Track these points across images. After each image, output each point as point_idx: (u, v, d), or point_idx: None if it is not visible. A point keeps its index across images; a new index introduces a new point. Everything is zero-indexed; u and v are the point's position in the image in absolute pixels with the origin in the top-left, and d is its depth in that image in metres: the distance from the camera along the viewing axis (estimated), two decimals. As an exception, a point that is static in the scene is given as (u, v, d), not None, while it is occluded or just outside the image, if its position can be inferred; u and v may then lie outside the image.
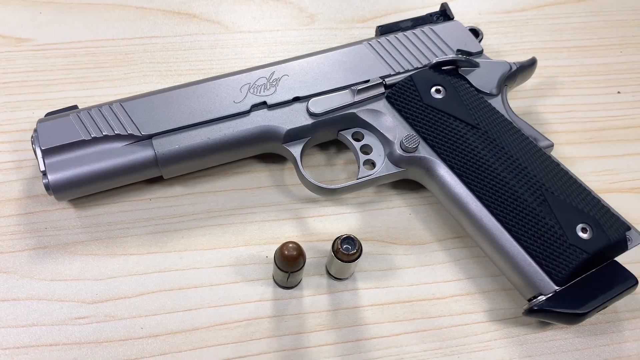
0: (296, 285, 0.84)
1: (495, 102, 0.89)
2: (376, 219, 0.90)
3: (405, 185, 0.92)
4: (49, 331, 0.80)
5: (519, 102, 1.01)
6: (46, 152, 0.82)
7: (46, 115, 0.87)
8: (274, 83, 0.88)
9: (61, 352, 0.79)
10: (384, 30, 0.95)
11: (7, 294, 0.82)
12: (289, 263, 0.77)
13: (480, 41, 0.95)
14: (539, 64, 0.99)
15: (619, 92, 1.04)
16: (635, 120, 1.01)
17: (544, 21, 1.12)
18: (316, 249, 0.87)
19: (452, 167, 0.84)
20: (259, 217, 0.89)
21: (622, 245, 0.79)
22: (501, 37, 1.09)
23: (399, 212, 0.91)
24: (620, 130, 1.00)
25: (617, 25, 1.12)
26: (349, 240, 0.79)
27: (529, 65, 0.94)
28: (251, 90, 0.88)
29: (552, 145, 0.86)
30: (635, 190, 0.94)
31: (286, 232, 0.88)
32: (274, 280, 0.84)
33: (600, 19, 1.13)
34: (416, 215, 0.91)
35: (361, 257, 0.79)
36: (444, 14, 0.97)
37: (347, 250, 0.78)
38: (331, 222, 0.90)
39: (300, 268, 0.79)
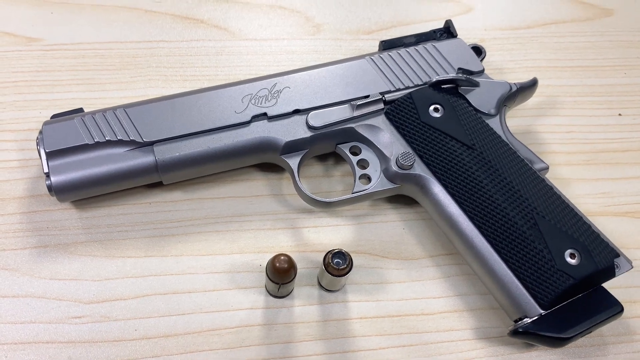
0: (287, 295, 0.86)
1: (494, 123, 0.89)
2: (370, 232, 0.91)
3: (401, 199, 0.93)
4: (46, 329, 0.82)
5: (519, 120, 1.02)
6: (50, 155, 0.84)
7: (52, 117, 0.89)
8: (275, 95, 0.90)
9: (57, 349, 0.81)
10: (387, 45, 0.96)
11: (8, 290, 0.84)
12: (280, 275, 0.79)
13: (483, 59, 0.96)
14: (541, 82, 1.00)
15: (620, 115, 1.04)
16: (635, 143, 1.02)
17: (549, 39, 1.12)
18: (309, 260, 0.88)
19: (446, 187, 0.85)
20: (255, 226, 0.91)
21: (609, 272, 0.80)
22: (505, 53, 1.10)
23: (393, 226, 0.92)
24: (619, 153, 1.00)
25: (624, 45, 1.13)
26: (340, 255, 0.80)
27: (529, 86, 0.95)
28: (252, 101, 0.89)
29: (547, 168, 0.87)
30: (630, 214, 0.95)
31: (281, 241, 0.90)
32: (266, 289, 0.85)
33: (606, 39, 1.13)
34: (410, 230, 0.92)
35: (353, 269, 0.81)
36: (448, 31, 0.97)
37: (337, 264, 0.80)
38: (325, 233, 0.91)
39: (291, 280, 0.81)
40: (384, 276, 0.88)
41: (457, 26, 1.01)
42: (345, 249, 0.82)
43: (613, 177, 0.98)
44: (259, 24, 1.11)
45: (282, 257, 0.78)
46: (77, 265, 0.87)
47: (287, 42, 1.09)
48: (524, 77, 0.98)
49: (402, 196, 0.92)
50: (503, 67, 1.07)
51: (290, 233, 0.91)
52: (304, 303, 0.86)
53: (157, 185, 0.91)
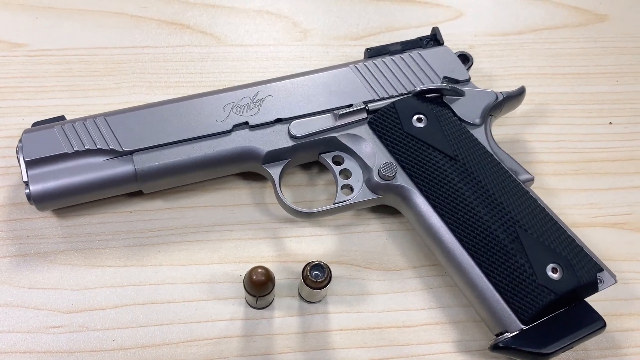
0: (267, 306, 0.85)
1: (478, 133, 0.88)
2: (352, 242, 0.91)
3: (384, 209, 0.92)
4: (23, 338, 0.82)
5: (507, 129, 1.01)
6: (29, 163, 0.84)
7: (33, 125, 0.88)
8: (258, 103, 0.89)
9: (34, 359, 0.80)
10: (372, 53, 0.95)
11: (-16, 299, 0.84)
12: (257, 287, 0.78)
13: (470, 67, 0.95)
14: (531, 90, 0.99)
15: (610, 123, 1.03)
16: (624, 153, 1.00)
17: (540, 45, 1.11)
18: (290, 270, 0.87)
19: (428, 198, 0.84)
20: (236, 235, 0.90)
21: (592, 287, 0.79)
22: (495, 60, 1.08)
23: (376, 236, 0.91)
24: (608, 163, 0.99)
25: (616, 52, 1.11)
26: (319, 267, 0.79)
27: (517, 95, 0.93)
28: (234, 110, 0.88)
29: (532, 179, 0.86)
30: (618, 225, 0.94)
31: (262, 251, 0.89)
32: (246, 300, 0.85)
33: (598, 45, 1.11)
34: (393, 241, 0.91)
35: (334, 280, 0.80)
36: (434, 39, 0.96)
37: (315, 277, 0.79)
38: (307, 243, 0.90)
39: (269, 292, 0.80)
40: (366, 287, 0.88)
41: (447, 32, 1.00)
42: (327, 259, 0.82)
43: (601, 187, 0.97)
44: (245, 29, 1.10)
45: (260, 270, 0.77)
46: (56, 274, 0.86)
47: (273, 48, 1.08)
48: (513, 85, 0.97)
49: (385, 206, 0.91)
50: (492, 74, 1.06)
51: (272, 243, 0.90)
52: (284, 314, 0.85)
53: (138, 194, 0.91)
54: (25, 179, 0.83)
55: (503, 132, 1.00)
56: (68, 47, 1.05)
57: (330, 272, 0.79)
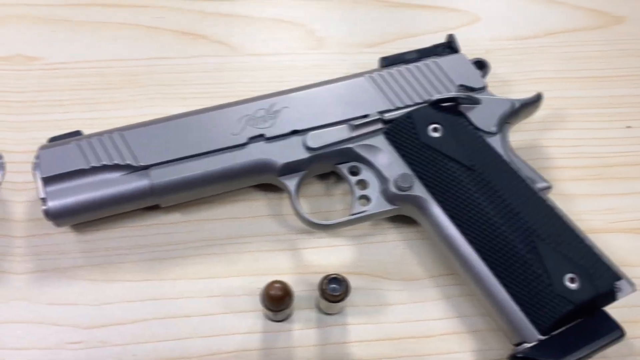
0: (286, 319, 0.85)
1: (495, 141, 0.88)
2: (370, 252, 0.91)
3: (401, 219, 0.92)
4: (44, 355, 0.82)
5: (524, 134, 1.00)
6: (46, 180, 0.84)
7: (49, 140, 0.89)
8: (273, 115, 0.89)
9: (55, 375, 0.81)
10: (387, 62, 0.95)
11: (6, 316, 0.85)
12: (274, 303, 0.78)
13: (486, 74, 0.94)
14: (548, 94, 0.97)
15: (629, 127, 1.02)
16: (643, 157, 1.00)
17: (557, 49, 1.10)
18: (308, 282, 0.87)
19: (445, 208, 0.84)
20: (254, 247, 0.90)
21: (610, 296, 0.78)
22: (512, 65, 1.07)
23: (393, 245, 0.91)
24: (627, 168, 0.98)
25: (634, 54, 1.10)
26: (336, 280, 0.79)
27: (533, 102, 0.92)
28: (250, 122, 0.88)
29: (550, 187, 0.85)
30: (636, 230, 0.93)
31: (280, 263, 0.89)
32: (264, 313, 0.85)
33: (616, 47, 1.10)
34: (410, 250, 0.91)
35: (353, 291, 0.80)
36: (450, 46, 0.96)
37: (332, 290, 0.79)
38: (325, 254, 0.90)
39: (287, 307, 0.80)
40: (384, 298, 0.88)
41: (463, 37, 0.98)
42: (344, 270, 0.82)
43: (620, 192, 0.96)
44: (262, 38, 1.10)
45: (277, 285, 0.78)
46: (75, 290, 0.87)
47: (289, 57, 1.08)
48: (531, 89, 0.95)
49: (402, 215, 0.91)
50: (509, 79, 1.05)
51: (290, 255, 0.90)
52: (302, 327, 0.85)
53: (156, 208, 0.91)
54: (42, 195, 0.84)
55: (520, 138, 0.99)
56: (83, 60, 1.05)
57: (348, 284, 0.79)
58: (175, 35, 1.09)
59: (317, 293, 0.84)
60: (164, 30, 1.10)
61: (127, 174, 0.85)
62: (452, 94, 0.89)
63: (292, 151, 0.88)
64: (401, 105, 0.90)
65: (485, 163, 0.85)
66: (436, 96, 0.89)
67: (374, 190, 0.89)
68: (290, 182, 0.89)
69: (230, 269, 0.89)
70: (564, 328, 0.77)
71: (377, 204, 0.88)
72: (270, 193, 0.94)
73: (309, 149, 0.88)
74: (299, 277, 0.87)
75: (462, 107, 0.90)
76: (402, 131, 0.88)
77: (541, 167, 0.95)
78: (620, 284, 0.79)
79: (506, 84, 1.04)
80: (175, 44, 1.08)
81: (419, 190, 0.85)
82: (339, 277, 0.79)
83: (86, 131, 0.90)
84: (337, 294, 0.79)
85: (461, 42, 0.97)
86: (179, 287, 0.87)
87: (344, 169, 0.90)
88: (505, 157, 0.86)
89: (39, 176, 0.84)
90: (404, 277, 0.89)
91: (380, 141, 0.89)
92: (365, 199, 0.89)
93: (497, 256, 0.80)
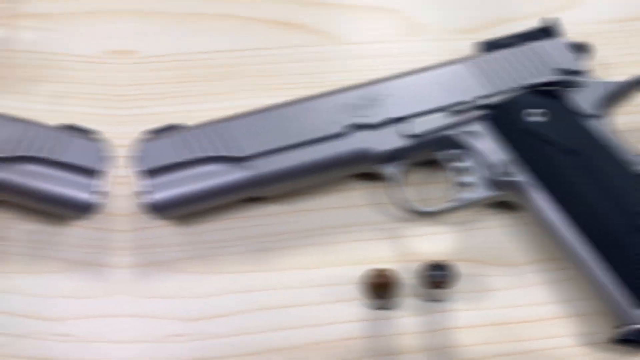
0: (391, 308, 0.85)
1: (599, 125, 0.86)
2: (472, 239, 0.90)
3: (502, 204, 0.91)
4: (147, 348, 0.84)
5: (630, 117, 0.97)
6: (148, 173, 0.85)
7: (146, 133, 0.90)
8: (370, 103, 0.88)
9: (163, 368, 0.83)
10: (484, 47, 0.94)
11: (110, 310, 0.86)
12: (376, 290, 0.79)
13: (590, 57, 0.92)
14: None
15: None
16: None
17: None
18: (411, 270, 0.86)
19: (548, 193, 0.83)
20: (354, 237, 0.90)
21: None
22: (612, 47, 1.04)
23: (495, 232, 0.91)
24: None
25: None
26: (437, 267, 0.79)
27: (637, 83, 0.91)
28: (347, 111, 0.88)
29: (656, 170, 0.84)
30: None
31: (382, 252, 0.89)
32: (369, 302, 0.85)
33: None
34: (512, 236, 0.90)
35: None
36: (549, 30, 0.94)
37: (434, 277, 0.79)
38: (427, 242, 0.90)
39: (393, 295, 0.80)
40: (488, 284, 0.87)
41: (565, 20, 0.96)
42: (447, 257, 0.81)
43: None
44: (359, 26, 1.09)
45: (384, 273, 0.78)
46: (177, 283, 0.88)
47: (387, 45, 1.07)
48: (635, 72, 0.92)
49: (503, 201, 0.90)
50: (610, 61, 1.02)
51: (391, 243, 0.90)
52: (407, 314, 0.85)
53: (255, 199, 0.92)
54: (147, 188, 0.85)
55: (624, 120, 0.96)
56: (178, 53, 1.06)
57: (452, 271, 0.79)
58: (272, 25, 1.09)
59: (420, 280, 0.84)
60: (259, 20, 1.10)
61: (227, 165, 0.86)
62: (554, 77, 0.88)
63: (391, 139, 0.88)
64: (503, 90, 0.89)
65: (590, 147, 0.84)
66: (538, 80, 0.88)
67: (476, 176, 0.88)
68: (390, 170, 0.88)
69: (330, 259, 0.89)
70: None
71: (480, 190, 0.87)
72: (368, 182, 0.94)
73: (409, 136, 0.87)
74: (402, 265, 0.87)
75: (565, 91, 0.88)
76: (505, 116, 0.87)
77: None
78: None
79: (610, 66, 1.01)
80: (273, 34, 1.08)
81: (521, 175, 0.85)
82: (440, 264, 0.79)
83: (183, 123, 0.90)
84: (438, 280, 0.79)
85: (562, 25, 0.95)
86: (283, 277, 0.88)
87: (444, 155, 0.90)
88: (609, 140, 0.85)
89: (140, 169, 0.85)
90: (506, 262, 0.89)
91: (482, 127, 0.88)
92: (467, 185, 0.88)
93: (603, 239, 0.79)
